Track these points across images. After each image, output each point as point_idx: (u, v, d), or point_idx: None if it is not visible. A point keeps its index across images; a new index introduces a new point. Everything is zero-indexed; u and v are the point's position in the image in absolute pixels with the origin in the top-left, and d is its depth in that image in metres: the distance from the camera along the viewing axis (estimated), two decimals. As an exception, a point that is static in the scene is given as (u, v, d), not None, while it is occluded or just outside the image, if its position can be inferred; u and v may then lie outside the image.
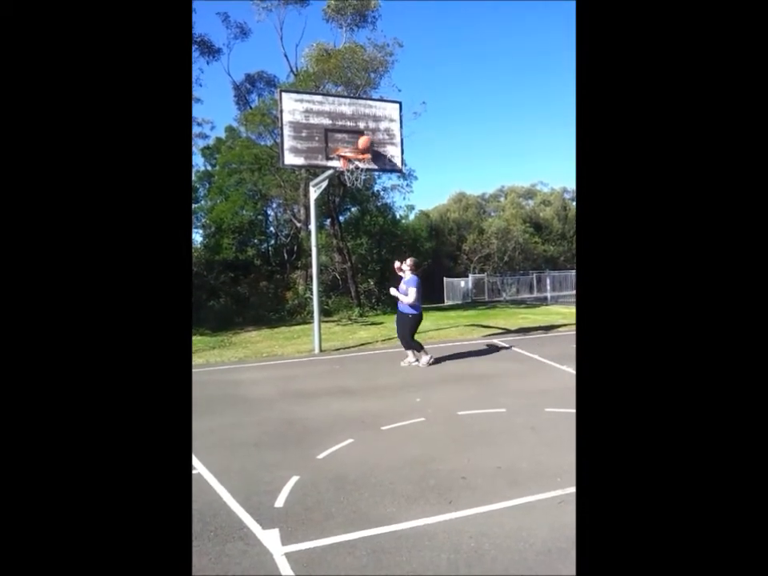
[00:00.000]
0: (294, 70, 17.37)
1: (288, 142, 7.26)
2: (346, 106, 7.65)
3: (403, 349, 7.22)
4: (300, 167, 7.67)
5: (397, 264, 7.34)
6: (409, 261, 7.21)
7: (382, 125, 7.81)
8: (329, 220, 17.90)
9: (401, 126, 7.99)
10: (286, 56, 18.15)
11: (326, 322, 12.99)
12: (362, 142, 7.45)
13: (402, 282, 7.07)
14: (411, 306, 6.85)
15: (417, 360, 7.01)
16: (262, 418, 4.91)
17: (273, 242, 22.33)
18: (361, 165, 7.43)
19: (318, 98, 7.69)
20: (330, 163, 7.47)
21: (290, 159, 7.34)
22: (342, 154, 7.29)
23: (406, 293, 6.86)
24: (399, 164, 8.03)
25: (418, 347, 7.10)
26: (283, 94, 7.41)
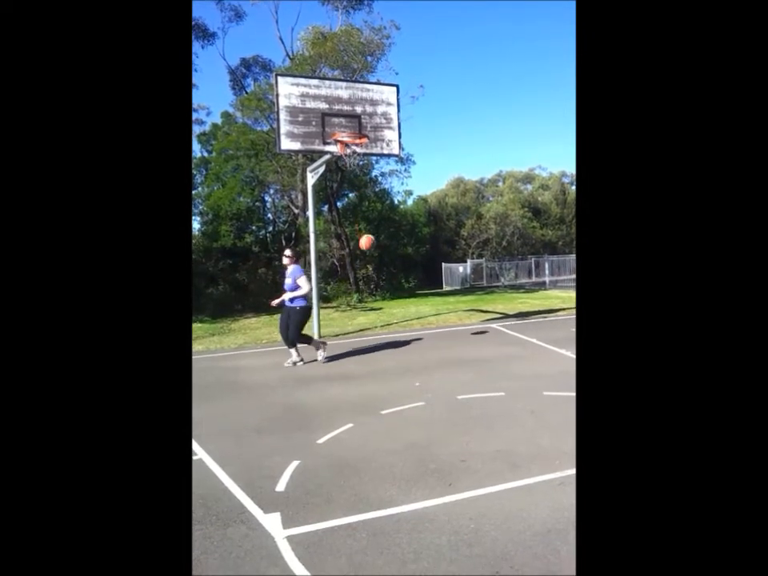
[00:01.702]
0: (290, 53, 17.17)
1: (284, 127, 7.19)
2: (342, 90, 7.56)
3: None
4: (297, 152, 7.64)
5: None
6: (288, 251, 6.58)
7: (380, 109, 7.73)
8: (327, 206, 17.84)
9: (398, 110, 7.92)
10: (281, 39, 17.93)
11: (325, 308, 13.01)
12: (364, 242, 7.66)
13: (287, 275, 6.35)
14: (303, 297, 6.25)
15: (301, 359, 6.42)
16: (262, 403, 4.92)
17: (271, 228, 22.27)
18: (358, 150, 7.37)
19: (315, 81, 7.61)
20: (328, 148, 7.42)
21: (287, 144, 7.28)
22: (340, 138, 7.23)
23: (296, 286, 6.16)
24: (397, 149, 7.97)
25: (307, 341, 6.59)
26: (279, 78, 7.32)
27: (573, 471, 2.91)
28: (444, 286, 24.53)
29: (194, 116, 23.49)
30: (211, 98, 52.57)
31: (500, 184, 40.33)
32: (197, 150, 23.58)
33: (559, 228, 34.85)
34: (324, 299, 14.90)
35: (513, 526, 2.48)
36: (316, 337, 8.44)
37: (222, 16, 19.48)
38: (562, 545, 2.30)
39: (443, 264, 25.75)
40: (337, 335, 8.93)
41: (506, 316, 10.54)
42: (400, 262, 20.52)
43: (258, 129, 17.17)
